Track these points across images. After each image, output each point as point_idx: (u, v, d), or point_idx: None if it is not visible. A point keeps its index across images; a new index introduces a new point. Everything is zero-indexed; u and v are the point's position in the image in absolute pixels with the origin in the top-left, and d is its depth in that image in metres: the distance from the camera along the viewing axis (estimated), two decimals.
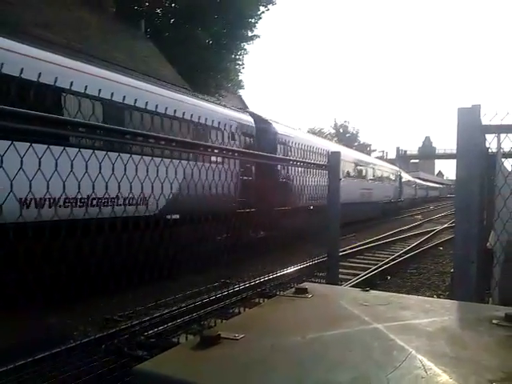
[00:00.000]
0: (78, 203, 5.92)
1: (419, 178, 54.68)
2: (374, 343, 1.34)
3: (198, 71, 24.76)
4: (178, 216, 6.53)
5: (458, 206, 3.09)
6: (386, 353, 1.27)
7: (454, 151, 3.15)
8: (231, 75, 28.96)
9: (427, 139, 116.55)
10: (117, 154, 2.59)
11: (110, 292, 3.45)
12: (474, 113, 3.00)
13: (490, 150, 3.72)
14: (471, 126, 2.99)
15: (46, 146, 2.23)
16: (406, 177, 38.44)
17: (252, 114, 14.04)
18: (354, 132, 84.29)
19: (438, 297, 7.49)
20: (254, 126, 13.18)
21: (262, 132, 13.25)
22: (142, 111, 3.46)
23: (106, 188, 2.48)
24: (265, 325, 1.61)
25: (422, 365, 1.17)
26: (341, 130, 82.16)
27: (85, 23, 17.48)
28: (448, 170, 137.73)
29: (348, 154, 22.02)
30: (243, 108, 19.02)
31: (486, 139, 3.35)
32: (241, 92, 35.59)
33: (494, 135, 3.24)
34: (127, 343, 4.69)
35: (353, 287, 6.67)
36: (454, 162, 3.13)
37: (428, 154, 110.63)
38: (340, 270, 5.95)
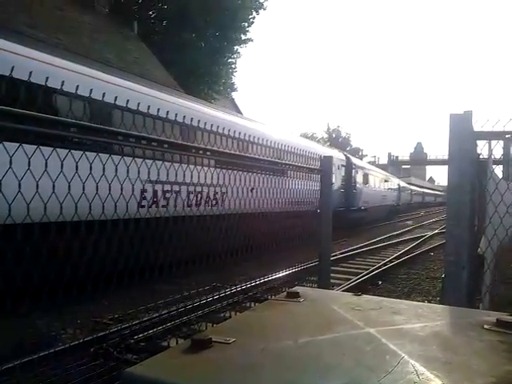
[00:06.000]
0: None
1: (413, 184, 61.21)
2: (367, 347, 1.33)
3: (190, 74, 24.72)
4: None
5: (450, 212, 3.11)
6: (379, 357, 1.26)
7: (446, 157, 3.17)
8: (224, 78, 28.93)
9: (419, 145, 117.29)
10: None
11: (100, 295, 3.42)
12: (466, 119, 3.03)
13: (480, 157, 3.75)
14: (463, 132, 3.01)
15: None
16: (415, 188, 56.74)
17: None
18: (346, 137, 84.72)
19: (429, 302, 7.51)
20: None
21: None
22: None
23: None
24: (256, 329, 1.60)
25: (415, 369, 1.16)
26: (333, 135, 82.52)
27: (77, 23, 17.40)
28: (439, 175, 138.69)
29: (411, 185, 47.32)
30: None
31: (477, 145, 3.38)
32: (234, 95, 35.61)
33: (485, 142, 3.27)
34: (116, 347, 4.65)
35: (344, 292, 6.67)
36: (445, 167, 3.15)
37: (419, 159, 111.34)
38: (331, 275, 5.95)
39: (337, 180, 20.19)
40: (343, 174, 21.88)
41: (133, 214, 3.16)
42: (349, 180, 22.25)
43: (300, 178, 5.02)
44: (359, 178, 24.07)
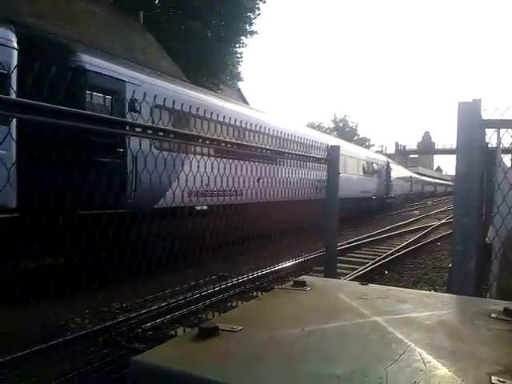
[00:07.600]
0: None
1: (423, 175, 64.94)
2: (373, 336, 1.33)
3: (195, 63, 24.60)
4: None
5: (457, 201, 3.08)
6: (385, 346, 1.26)
7: (454, 146, 3.14)
8: (230, 68, 28.77)
9: (426, 134, 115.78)
10: None
11: (108, 284, 3.45)
12: (475, 107, 2.99)
13: (489, 145, 3.71)
14: (472, 121, 2.97)
15: None
16: (426, 179, 61.39)
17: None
18: (354, 126, 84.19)
19: (436, 291, 7.50)
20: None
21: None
22: None
23: None
24: (263, 317, 1.60)
25: (421, 358, 1.16)
26: (340, 125, 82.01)
27: (83, 14, 17.36)
28: (447, 165, 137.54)
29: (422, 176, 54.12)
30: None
31: (486, 134, 3.34)
32: (240, 85, 35.47)
33: (493, 130, 3.23)
34: (125, 336, 4.69)
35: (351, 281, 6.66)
36: (452, 157, 3.12)
37: (427, 149, 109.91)
38: (338, 265, 5.95)
39: (383, 175, 28.64)
40: (385, 171, 29.53)
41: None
42: (387, 175, 29.60)
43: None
44: (392, 174, 31.40)
